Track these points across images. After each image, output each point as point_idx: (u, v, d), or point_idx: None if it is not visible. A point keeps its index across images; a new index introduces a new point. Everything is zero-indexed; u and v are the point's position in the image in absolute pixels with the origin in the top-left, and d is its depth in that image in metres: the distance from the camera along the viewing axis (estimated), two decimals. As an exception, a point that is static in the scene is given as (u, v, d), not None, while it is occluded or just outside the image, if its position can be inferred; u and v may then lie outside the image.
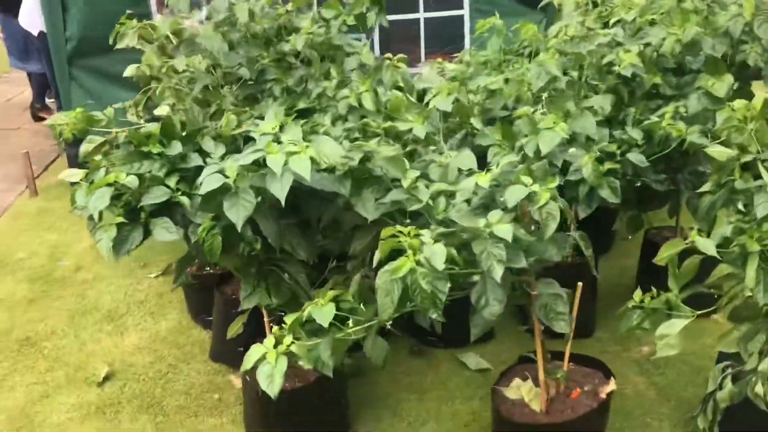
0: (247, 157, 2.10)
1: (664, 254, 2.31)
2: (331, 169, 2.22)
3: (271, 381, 1.85)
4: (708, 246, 2.25)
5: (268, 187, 2.02)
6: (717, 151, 2.49)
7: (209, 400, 3.01)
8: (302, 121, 2.65)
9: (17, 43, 6.38)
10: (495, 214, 1.83)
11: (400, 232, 1.84)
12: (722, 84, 2.92)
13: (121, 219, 2.21)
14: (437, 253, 1.72)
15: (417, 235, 1.80)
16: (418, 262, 1.73)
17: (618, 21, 3.59)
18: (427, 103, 2.70)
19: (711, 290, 2.45)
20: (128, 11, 3.49)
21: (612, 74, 3.07)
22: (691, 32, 3.07)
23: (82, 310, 3.74)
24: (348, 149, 2.24)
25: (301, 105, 2.81)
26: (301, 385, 2.63)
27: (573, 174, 2.81)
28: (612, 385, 2.54)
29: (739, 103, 2.76)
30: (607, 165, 2.80)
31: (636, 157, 2.81)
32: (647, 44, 3.30)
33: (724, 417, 2.57)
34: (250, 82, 2.94)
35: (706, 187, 2.55)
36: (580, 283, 2.37)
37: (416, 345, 3.37)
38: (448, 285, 1.74)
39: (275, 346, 1.92)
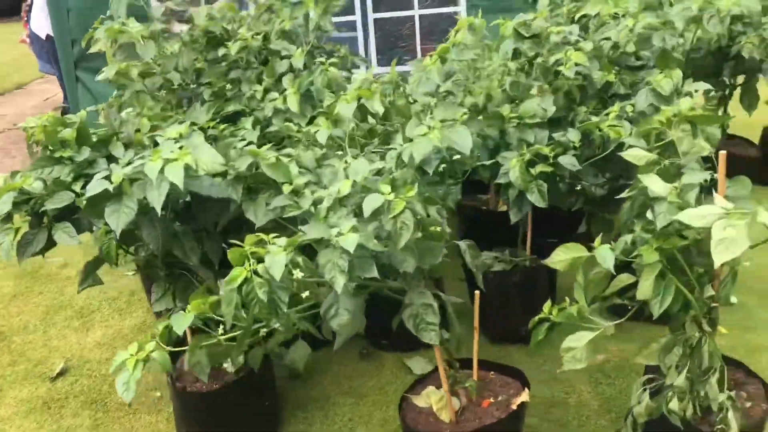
0: (132, 164, 2.14)
1: (558, 258, 2.22)
2: (224, 175, 2.24)
3: (127, 388, 1.87)
4: (606, 257, 2.17)
5: (147, 195, 2.06)
6: (632, 155, 2.38)
7: (150, 397, 3.08)
8: (222, 126, 2.69)
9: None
10: (347, 224, 1.80)
11: (262, 240, 1.85)
12: (669, 81, 2.76)
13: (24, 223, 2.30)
14: (277, 263, 1.71)
15: (273, 243, 1.81)
16: (255, 272, 1.72)
17: (583, 16, 3.48)
18: (362, 107, 2.68)
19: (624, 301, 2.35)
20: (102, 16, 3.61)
21: (559, 74, 2.97)
22: (642, 23, 2.93)
23: (58, 306, 3.89)
24: (238, 155, 2.25)
25: (230, 108, 2.84)
26: (218, 387, 2.65)
27: (502, 177, 2.76)
28: (525, 396, 2.46)
29: (683, 103, 2.64)
30: (539, 168, 2.73)
31: (568, 160, 2.71)
32: (606, 39, 3.18)
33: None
34: (191, 86, 2.98)
35: (626, 194, 2.43)
36: (477, 292, 2.31)
37: (366, 347, 3.35)
38: (288, 295, 1.74)
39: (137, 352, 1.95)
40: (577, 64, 2.93)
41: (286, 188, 2.11)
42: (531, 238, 3.36)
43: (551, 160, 2.73)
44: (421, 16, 5.44)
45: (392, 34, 5.53)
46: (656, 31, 2.91)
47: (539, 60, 3.06)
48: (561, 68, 2.93)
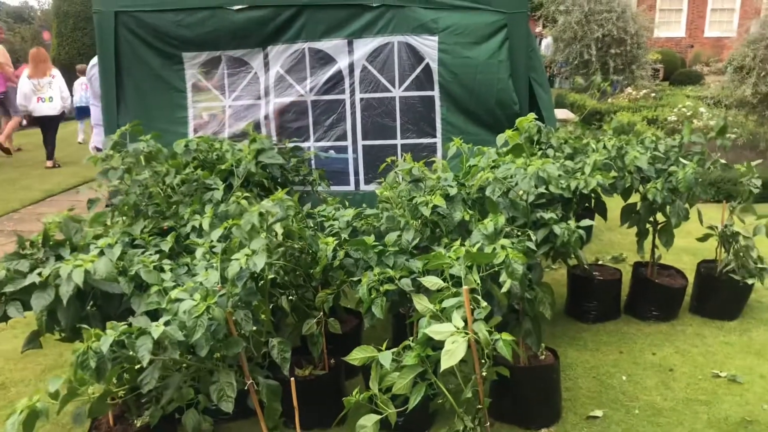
0: (55, 265, 3.05)
1: (355, 356, 2.91)
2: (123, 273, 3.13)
3: (13, 428, 2.68)
4: (385, 358, 2.85)
5: (59, 290, 2.95)
6: (428, 281, 3.06)
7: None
8: (150, 238, 3.60)
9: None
10: (164, 318, 2.62)
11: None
12: (491, 224, 3.45)
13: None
14: (105, 342, 2.53)
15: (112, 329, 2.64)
16: (90, 347, 2.55)
17: (470, 166, 4.24)
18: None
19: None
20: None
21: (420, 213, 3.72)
22: (484, 177, 3.66)
23: (55, 365, 4.84)
24: (137, 261, 3.13)
25: (165, 224, 3.76)
26: (121, 436, 3.44)
27: (357, 292, 3.50)
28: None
29: (502, 242, 3.32)
30: (386, 287, 3.45)
31: (405, 282, 3.42)
32: (471, 185, 3.92)
33: None
34: (144, 204, 3.95)
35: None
36: (292, 379, 3.01)
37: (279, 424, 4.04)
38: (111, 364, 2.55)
39: None
40: (436, 206, 3.69)
41: (154, 289, 2.96)
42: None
43: (397, 281, 3.46)
44: (402, 144, 6.32)
45: (379, 158, 6.40)
46: (490, 184, 3.63)
47: (413, 201, 3.82)
48: (422, 208, 3.68)
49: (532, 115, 4.23)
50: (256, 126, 6.27)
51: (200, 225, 3.61)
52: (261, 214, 2.97)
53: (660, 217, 5.00)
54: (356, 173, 6.44)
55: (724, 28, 25.89)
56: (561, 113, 14.42)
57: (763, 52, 9.53)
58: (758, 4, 15.60)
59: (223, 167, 4.08)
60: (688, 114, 13.18)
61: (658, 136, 5.22)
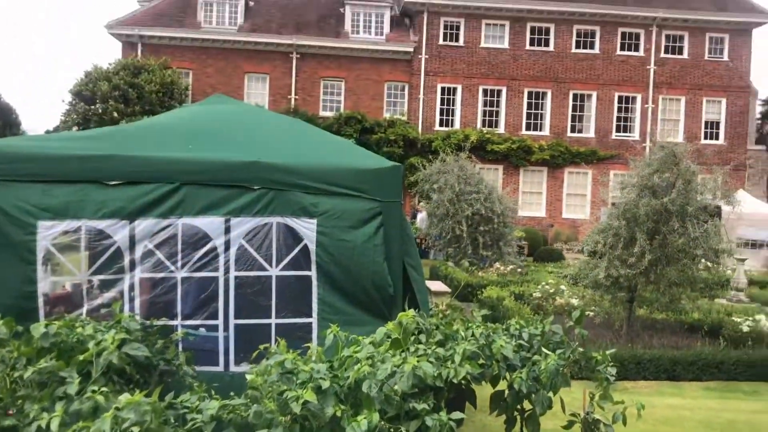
0: None
1: None
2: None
3: None
4: None
5: None
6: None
7: None
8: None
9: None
10: None
11: None
12: (365, 422, 3.39)
13: None
14: None
15: None
16: None
17: (346, 356, 4.23)
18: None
19: None
20: None
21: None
22: (358, 373, 3.66)
23: None
24: None
25: (7, 423, 3.41)
26: None
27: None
28: None
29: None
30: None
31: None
32: (346, 377, 3.88)
33: None
34: None
35: None
36: None
37: None
38: None
39: None
40: (307, 401, 3.60)
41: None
42: None
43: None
44: (277, 324, 6.22)
45: (252, 337, 6.24)
46: (366, 380, 3.63)
47: (284, 395, 3.71)
48: (292, 404, 3.58)
49: (411, 312, 4.37)
50: (122, 301, 5.95)
51: (47, 425, 3.30)
52: (115, 419, 2.77)
53: (527, 404, 5.11)
54: (226, 353, 6.19)
55: (579, 211, 28.50)
56: (435, 285, 14.91)
57: (612, 239, 10.46)
58: (605, 197, 17.45)
59: (81, 358, 3.82)
60: (551, 291, 14.04)
61: (522, 324, 5.47)
